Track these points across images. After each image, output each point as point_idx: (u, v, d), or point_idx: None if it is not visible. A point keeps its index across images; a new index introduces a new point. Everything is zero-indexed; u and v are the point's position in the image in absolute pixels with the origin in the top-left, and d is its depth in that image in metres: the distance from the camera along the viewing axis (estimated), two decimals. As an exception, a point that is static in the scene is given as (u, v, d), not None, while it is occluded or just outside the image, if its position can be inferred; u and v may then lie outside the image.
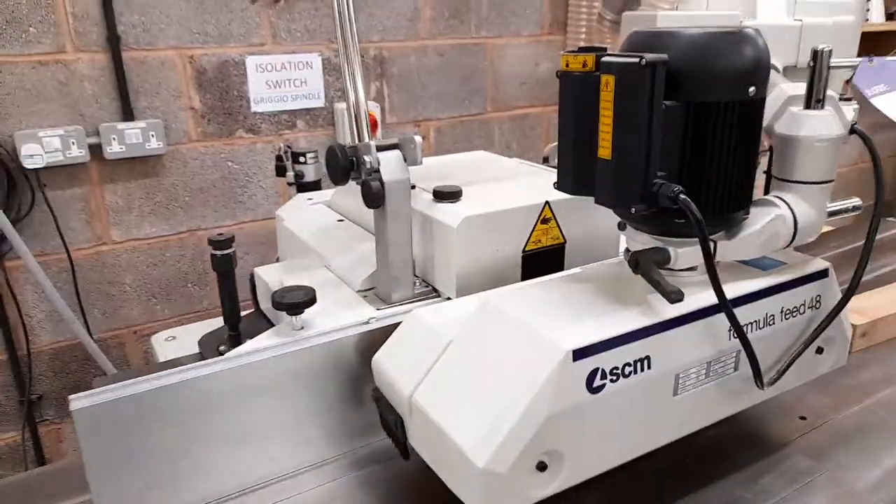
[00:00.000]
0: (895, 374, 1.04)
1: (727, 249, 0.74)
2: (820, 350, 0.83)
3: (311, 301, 0.85)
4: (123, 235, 1.89)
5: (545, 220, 0.94)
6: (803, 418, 0.93)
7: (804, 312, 0.78)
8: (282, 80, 1.98)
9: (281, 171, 1.37)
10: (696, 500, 0.79)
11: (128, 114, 1.80)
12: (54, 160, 1.72)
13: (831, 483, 0.81)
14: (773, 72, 0.78)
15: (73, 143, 1.73)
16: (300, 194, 1.32)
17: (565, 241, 0.97)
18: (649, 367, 0.67)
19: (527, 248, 0.94)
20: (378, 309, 0.91)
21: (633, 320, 0.67)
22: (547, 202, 0.93)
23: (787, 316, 0.77)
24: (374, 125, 2.05)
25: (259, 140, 1.99)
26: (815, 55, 0.73)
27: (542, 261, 0.96)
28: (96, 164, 1.81)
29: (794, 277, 0.77)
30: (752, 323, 0.74)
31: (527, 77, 2.41)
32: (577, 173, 0.71)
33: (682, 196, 0.64)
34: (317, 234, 1.14)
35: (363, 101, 0.94)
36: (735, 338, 0.72)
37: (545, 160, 1.39)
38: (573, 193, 0.72)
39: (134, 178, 1.86)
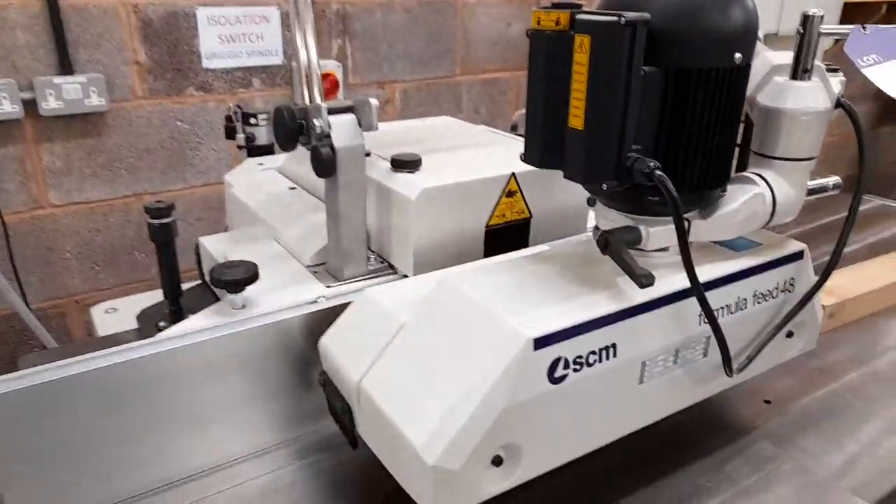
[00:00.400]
0: (863, 355, 1.02)
1: (702, 229, 0.69)
2: (790, 334, 0.80)
3: (253, 278, 0.78)
4: (63, 199, 1.76)
5: (510, 194, 0.88)
6: (768, 402, 0.90)
7: (777, 296, 0.75)
8: (236, 34, 1.86)
9: (230, 132, 1.27)
10: (659, 488, 0.75)
11: (66, 67, 1.66)
12: (-17, 115, 1.58)
13: (796, 470, 0.79)
14: (755, 39, 0.73)
15: (4, 97, 1.59)
16: (250, 158, 1.23)
17: (531, 216, 0.92)
18: (615, 356, 0.62)
19: (490, 223, 0.88)
20: (328, 286, 0.84)
21: (601, 305, 0.62)
22: (513, 174, 0.87)
23: (760, 300, 0.73)
24: (334, 86, 1.95)
25: (211, 99, 1.87)
26: (805, 20, 0.67)
27: (506, 236, 0.90)
28: (31, 122, 1.67)
29: (769, 260, 0.73)
30: (723, 307, 0.70)
31: (498, 38, 2.31)
32: (545, 144, 0.65)
33: (658, 172, 0.58)
34: (266, 202, 1.06)
35: (315, 58, 0.86)
36: (705, 323, 0.68)
37: (513, 128, 1.33)
38: (541, 166, 0.66)
39: (73, 137, 1.73)
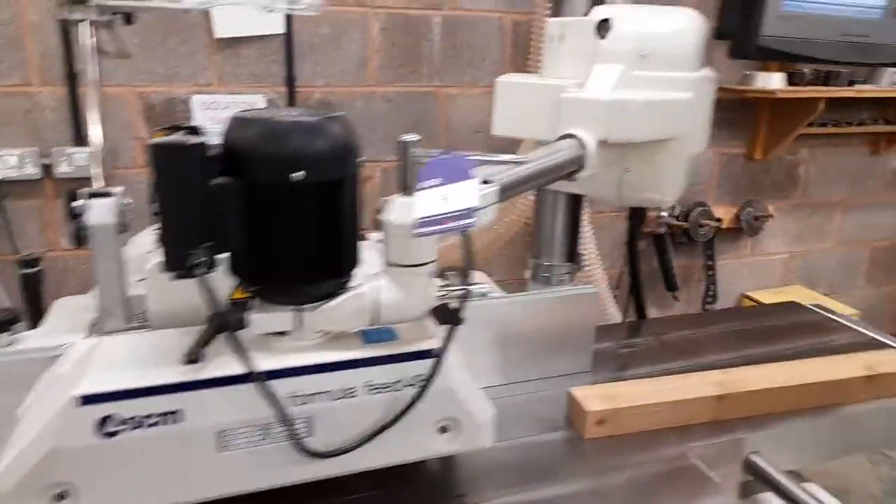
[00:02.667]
0: (597, 474, 0.99)
1: (310, 320, 0.78)
2: (444, 429, 0.84)
3: (9, 322, 0.96)
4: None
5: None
6: (461, 496, 0.92)
7: (400, 389, 0.80)
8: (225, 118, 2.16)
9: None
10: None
11: (81, 140, 2.04)
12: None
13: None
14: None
15: (27, 162, 1.99)
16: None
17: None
18: (181, 421, 0.72)
19: (234, 297, 1.01)
20: (86, 337, 1.01)
21: (169, 374, 0.72)
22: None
23: (375, 391, 0.79)
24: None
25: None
26: (401, 145, 0.76)
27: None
28: (49, 182, 2.06)
29: (388, 353, 0.79)
30: (322, 392, 0.77)
31: (480, 125, 2.45)
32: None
33: (199, 271, 0.70)
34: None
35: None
36: (302, 404, 0.76)
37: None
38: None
39: (78, 195, 2.09)
